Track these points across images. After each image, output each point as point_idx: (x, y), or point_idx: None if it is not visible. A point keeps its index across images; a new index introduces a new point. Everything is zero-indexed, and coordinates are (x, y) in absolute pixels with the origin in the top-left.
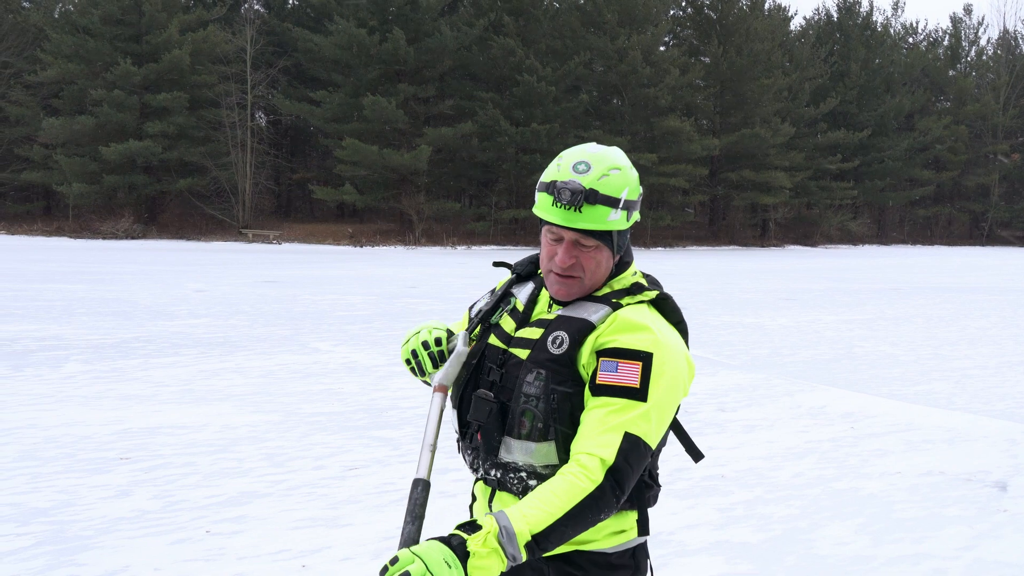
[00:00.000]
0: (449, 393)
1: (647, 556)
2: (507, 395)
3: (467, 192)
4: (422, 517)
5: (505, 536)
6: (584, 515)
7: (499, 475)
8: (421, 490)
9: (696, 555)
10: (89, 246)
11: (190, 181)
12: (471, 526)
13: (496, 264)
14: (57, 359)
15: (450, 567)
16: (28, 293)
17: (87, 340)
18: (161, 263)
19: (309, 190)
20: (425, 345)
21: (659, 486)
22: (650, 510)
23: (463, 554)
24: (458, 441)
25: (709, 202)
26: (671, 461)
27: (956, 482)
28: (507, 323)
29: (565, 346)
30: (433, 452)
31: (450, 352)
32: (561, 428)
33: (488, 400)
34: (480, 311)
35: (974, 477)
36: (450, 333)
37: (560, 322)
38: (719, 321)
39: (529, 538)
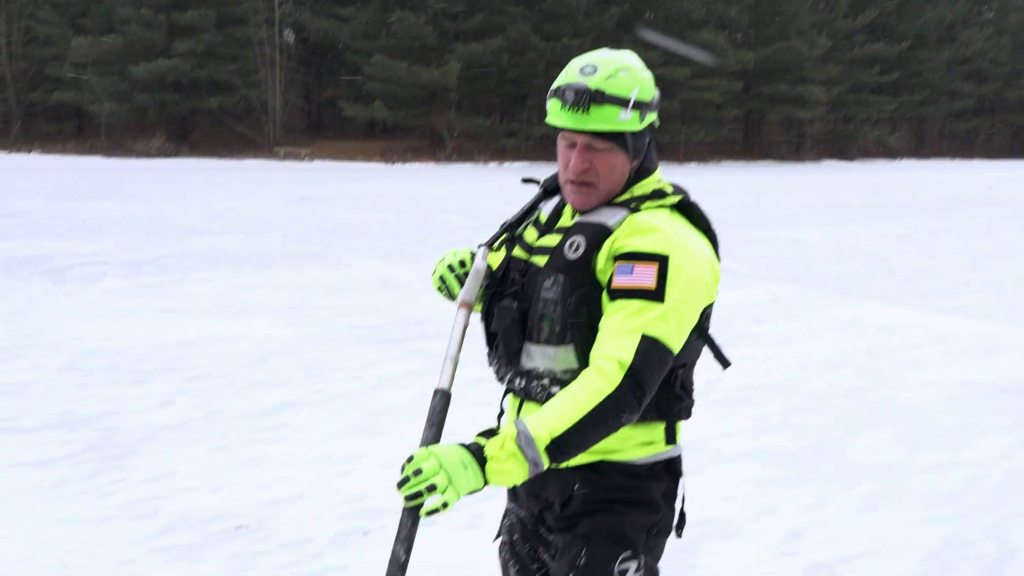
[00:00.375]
0: (474, 308)
1: (680, 472)
2: (527, 302)
3: (498, 108)
4: (441, 425)
5: (524, 440)
6: (604, 417)
7: (524, 384)
8: (440, 399)
9: (731, 462)
10: (122, 165)
11: (220, 99)
12: (490, 433)
13: (525, 180)
14: (95, 275)
15: (466, 467)
16: (64, 211)
17: (123, 256)
18: (193, 181)
19: (339, 107)
20: (451, 269)
21: (692, 399)
22: (684, 423)
23: (481, 458)
24: (488, 355)
25: (743, 117)
26: (704, 373)
27: (993, 392)
28: (530, 234)
29: (581, 250)
30: (455, 365)
31: None
32: (579, 332)
33: (510, 309)
34: (504, 223)
35: (1011, 387)
36: (475, 255)
37: (577, 227)
38: (754, 236)
39: (548, 441)
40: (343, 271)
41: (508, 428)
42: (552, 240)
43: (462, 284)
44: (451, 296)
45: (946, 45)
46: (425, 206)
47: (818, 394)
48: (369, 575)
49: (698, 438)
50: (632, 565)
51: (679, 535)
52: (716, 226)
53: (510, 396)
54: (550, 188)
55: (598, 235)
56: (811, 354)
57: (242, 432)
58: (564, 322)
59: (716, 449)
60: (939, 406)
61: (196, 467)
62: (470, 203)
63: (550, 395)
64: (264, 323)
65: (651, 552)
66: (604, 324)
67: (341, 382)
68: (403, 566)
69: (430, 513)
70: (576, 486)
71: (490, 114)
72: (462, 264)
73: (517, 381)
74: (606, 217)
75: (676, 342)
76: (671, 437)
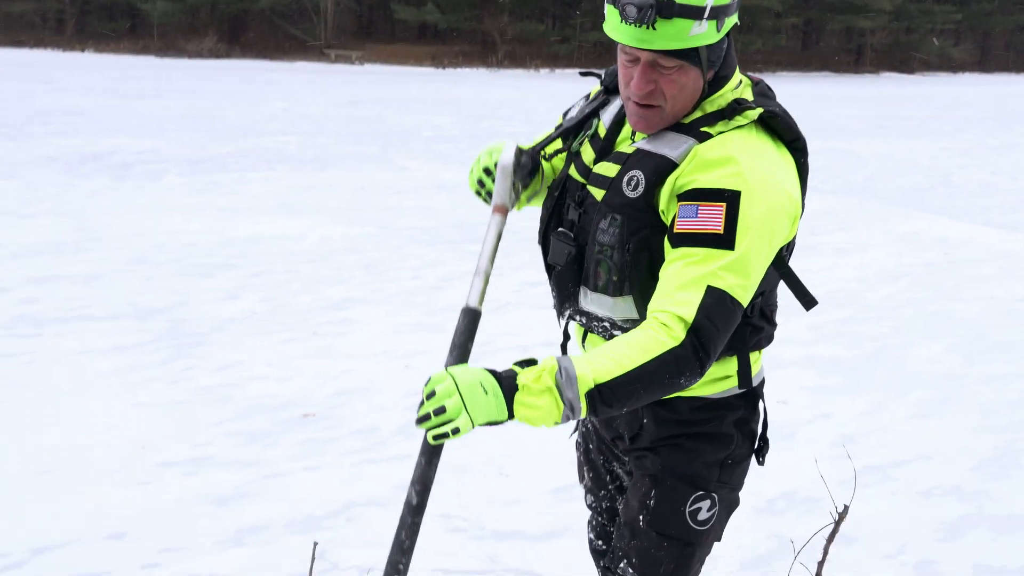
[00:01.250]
0: (518, 207)
1: (758, 397)
2: (584, 236)
3: (550, 13)
4: (466, 347)
5: (564, 376)
6: (660, 374)
7: (584, 320)
8: (466, 318)
9: (788, 367)
10: (175, 64)
11: (272, 0)
12: (528, 362)
13: (583, 73)
14: (155, 171)
15: (486, 393)
16: (122, 109)
17: (182, 154)
18: (246, 81)
19: (391, 10)
20: (487, 172)
21: (774, 324)
22: (762, 352)
23: (510, 386)
24: (548, 278)
25: (802, 25)
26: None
27: None
28: (587, 152)
29: (641, 188)
30: (486, 279)
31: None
32: (639, 282)
33: (566, 242)
34: (560, 127)
35: None
36: (519, 152)
37: (637, 159)
38: (811, 147)
39: (592, 385)
40: (399, 173)
41: (549, 360)
42: (610, 169)
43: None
44: (488, 200)
45: None
46: (478, 111)
47: (875, 305)
48: None
49: None
50: (704, 504)
51: (760, 462)
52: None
53: (574, 323)
54: (612, 87)
55: (660, 171)
56: (868, 266)
57: (308, 326)
58: (622, 271)
59: (773, 355)
60: (996, 320)
61: (264, 358)
62: (524, 109)
63: (612, 336)
64: (324, 222)
65: (726, 484)
66: (664, 272)
67: (402, 280)
68: (416, 509)
69: (437, 439)
70: (644, 420)
71: (542, 19)
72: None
73: (578, 317)
74: (669, 147)
75: (747, 293)
76: (745, 372)
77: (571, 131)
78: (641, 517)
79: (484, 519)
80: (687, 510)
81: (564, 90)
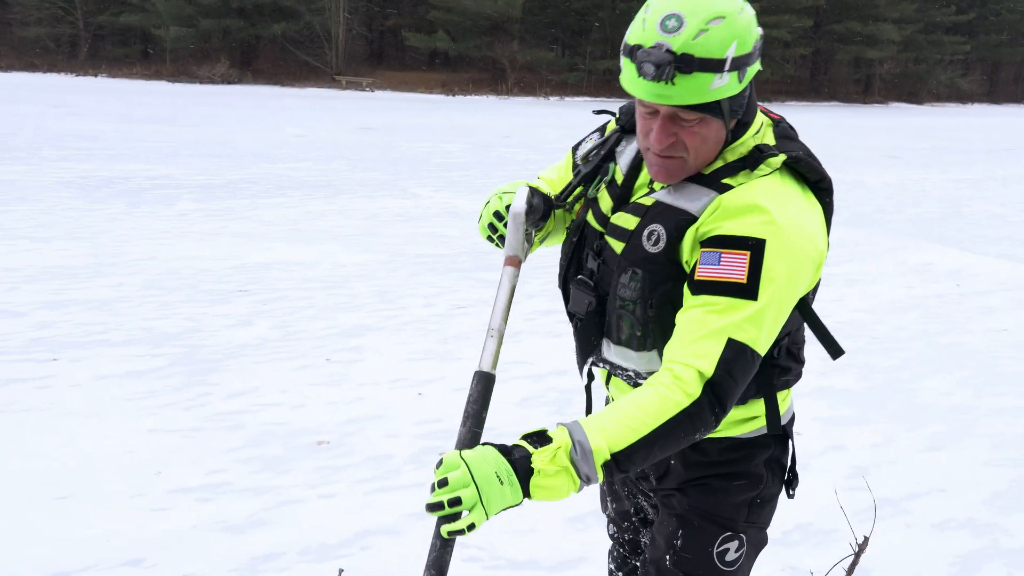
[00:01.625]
0: (522, 263)
1: (788, 435)
2: (605, 287)
3: (561, 41)
4: (480, 418)
5: (579, 452)
6: (675, 434)
7: (608, 367)
8: (480, 384)
9: (799, 399)
10: (188, 90)
11: (284, 26)
12: (540, 437)
13: (597, 112)
14: (170, 197)
15: (502, 483)
16: (136, 134)
17: (196, 180)
18: (259, 107)
19: (402, 37)
20: (498, 216)
21: (802, 362)
22: (790, 391)
23: (525, 470)
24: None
25: (811, 55)
26: None
27: None
28: (604, 199)
29: (662, 244)
30: (500, 339)
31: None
32: (662, 336)
33: (586, 291)
34: (579, 173)
35: None
36: (531, 196)
37: (657, 212)
38: None
39: (608, 457)
40: (411, 200)
41: (561, 436)
42: (629, 221)
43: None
44: (501, 245)
45: None
46: (488, 139)
47: (886, 336)
48: None
49: None
50: (732, 545)
51: (791, 496)
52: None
53: (597, 368)
54: (628, 127)
55: (681, 226)
56: (879, 297)
57: (321, 353)
58: (645, 326)
59: None
60: (1008, 352)
61: (278, 385)
62: (534, 137)
63: (637, 385)
64: (337, 249)
65: (754, 523)
66: (682, 319)
67: (414, 308)
68: None
69: (451, 534)
70: (672, 461)
71: (552, 47)
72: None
73: (601, 364)
74: (689, 200)
75: (767, 345)
76: (773, 412)
77: (589, 178)
78: (668, 557)
79: (499, 548)
80: (715, 551)
81: (573, 117)
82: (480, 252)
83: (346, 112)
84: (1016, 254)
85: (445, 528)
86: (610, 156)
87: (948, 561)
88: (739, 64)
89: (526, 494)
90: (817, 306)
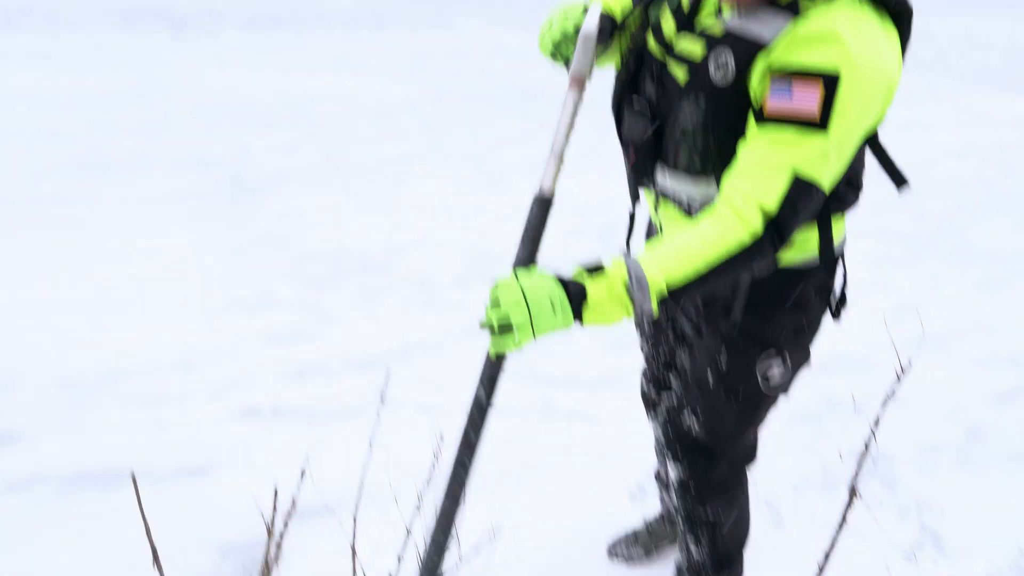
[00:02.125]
0: (587, 85)
1: (843, 259)
2: (663, 118)
3: None
4: (538, 240)
5: (636, 284)
6: (733, 267)
7: (660, 190)
8: (538, 207)
9: (849, 235)
10: None
11: None
12: (597, 269)
13: None
14: (213, 27)
15: (555, 312)
16: None
17: (239, 11)
18: None
19: None
20: (565, 36)
21: (860, 188)
22: (847, 213)
23: (579, 301)
24: (622, 152)
25: None
26: None
27: None
28: (667, 22)
29: (731, 72)
30: (560, 161)
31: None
32: (723, 167)
33: (643, 116)
34: None
35: None
36: (603, 18)
37: (726, 39)
38: None
39: (664, 288)
40: (457, 35)
41: (617, 269)
42: (694, 47)
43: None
44: (567, 63)
45: None
46: None
47: (941, 180)
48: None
49: None
50: (775, 362)
51: (837, 319)
52: None
53: (645, 190)
54: None
55: (752, 53)
56: (935, 142)
57: (365, 180)
58: (705, 155)
59: None
60: None
61: (323, 208)
62: None
63: (691, 209)
64: (382, 81)
65: (799, 345)
66: (746, 152)
67: (459, 140)
68: (484, 409)
69: (498, 354)
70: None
71: None
72: (577, 30)
73: (652, 187)
74: (763, 26)
75: (833, 182)
76: (827, 240)
77: (647, 3)
78: (711, 377)
79: (540, 366)
80: (759, 372)
81: None
82: (526, 87)
83: None
84: None
85: (493, 349)
86: None
87: (986, 393)
88: None
89: (578, 318)
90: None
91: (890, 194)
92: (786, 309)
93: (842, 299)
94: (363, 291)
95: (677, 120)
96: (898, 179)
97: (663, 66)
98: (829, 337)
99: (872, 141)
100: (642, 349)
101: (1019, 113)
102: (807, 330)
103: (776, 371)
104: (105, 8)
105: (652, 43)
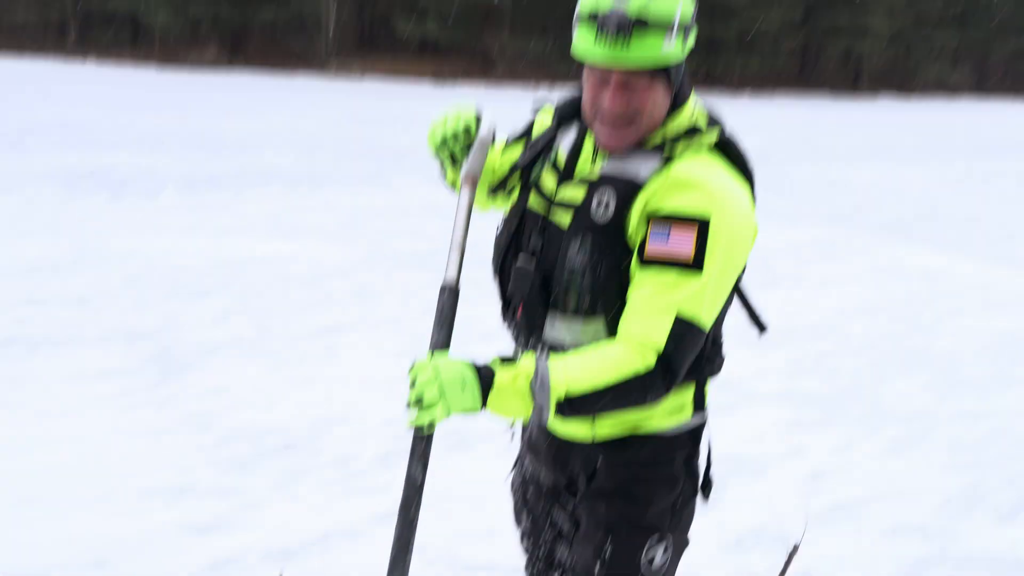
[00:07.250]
0: (477, 187)
1: (704, 439)
2: (549, 265)
3: (551, 31)
4: (450, 326)
5: (539, 383)
6: (629, 393)
7: (549, 343)
8: (448, 297)
9: (764, 401)
10: (176, 76)
11: (274, 12)
12: (509, 361)
13: (535, 104)
14: (152, 190)
15: (463, 392)
16: (121, 122)
17: (179, 172)
18: (246, 95)
19: (391, 24)
20: (455, 136)
21: (722, 356)
22: (712, 379)
23: (487, 382)
24: (502, 314)
25: (800, 48)
26: (740, 313)
27: None
28: (548, 180)
29: (611, 211)
30: (462, 253)
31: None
32: (610, 303)
33: (529, 273)
34: (514, 164)
35: None
36: (479, 120)
37: (605, 181)
38: (802, 173)
39: (563, 395)
40: (394, 194)
41: (526, 363)
42: (575, 194)
43: (466, 154)
44: (452, 162)
45: None
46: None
47: (854, 338)
48: None
49: (732, 377)
50: (659, 549)
51: (705, 498)
52: (761, 163)
53: (529, 353)
54: (566, 116)
55: (630, 192)
56: (850, 297)
57: (294, 351)
58: (594, 294)
59: (749, 389)
60: (972, 355)
61: (250, 384)
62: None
63: None
64: (317, 244)
65: (678, 525)
66: (634, 295)
67: (390, 307)
68: (417, 487)
69: (416, 427)
70: (600, 459)
71: (543, 36)
72: (467, 132)
73: (539, 350)
74: (637, 168)
75: (711, 319)
76: (700, 401)
77: (528, 167)
78: (596, 568)
79: (456, 551)
80: (643, 558)
81: None
82: None
83: (334, 101)
84: (988, 255)
85: (410, 422)
86: (548, 146)
87: (895, 567)
88: (684, 29)
89: (484, 404)
90: (790, 305)
91: (807, 354)
92: (659, 488)
93: (708, 479)
94: (285, 473)
95: (564, 263)
96: (759, 324)
97: (545, 218)
98: (745, 510)
99: (736, 290)
100: (521, 542)
101: (927, 265)
102: (681, 510)
103: (659, 556)
104: (45, 171)
105: (534, 200)
